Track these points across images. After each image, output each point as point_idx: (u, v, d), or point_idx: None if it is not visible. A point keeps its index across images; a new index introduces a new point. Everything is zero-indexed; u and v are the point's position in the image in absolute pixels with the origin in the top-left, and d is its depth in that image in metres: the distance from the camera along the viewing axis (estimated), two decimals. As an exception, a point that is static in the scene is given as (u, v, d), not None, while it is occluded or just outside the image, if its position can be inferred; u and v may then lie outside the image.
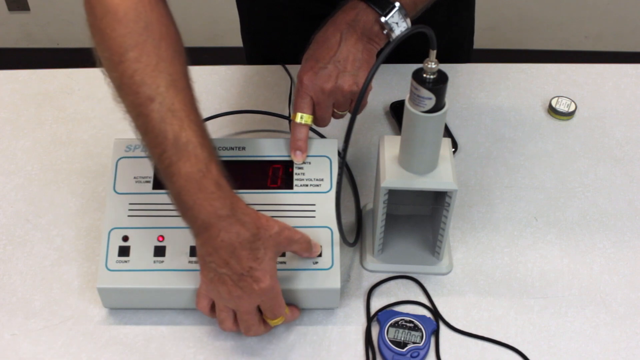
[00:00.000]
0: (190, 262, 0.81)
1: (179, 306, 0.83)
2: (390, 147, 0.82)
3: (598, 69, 1.19)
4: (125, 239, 0.82)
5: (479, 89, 1.15)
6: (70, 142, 1.06)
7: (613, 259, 0.90)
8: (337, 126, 0.94)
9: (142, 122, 0.72)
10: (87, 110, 1.11)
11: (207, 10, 2.58)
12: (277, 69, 1.17)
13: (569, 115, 1.09)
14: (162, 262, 0.81)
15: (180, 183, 0.71)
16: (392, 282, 0.88)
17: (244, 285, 0.72)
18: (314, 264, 0.81)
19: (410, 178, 0.79)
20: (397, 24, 0.81)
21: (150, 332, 0.82)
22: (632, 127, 1.09)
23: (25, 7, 2.63)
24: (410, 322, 0.81)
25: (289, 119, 1.05)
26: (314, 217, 0.84)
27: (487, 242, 0.92)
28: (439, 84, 0.71)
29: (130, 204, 0.84)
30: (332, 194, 0.85)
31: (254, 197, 0.81)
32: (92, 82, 1.16)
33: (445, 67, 0.72)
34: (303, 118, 0.85)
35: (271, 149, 0.88)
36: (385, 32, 0.83)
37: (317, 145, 0.89)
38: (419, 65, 0.71)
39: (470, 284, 0.87)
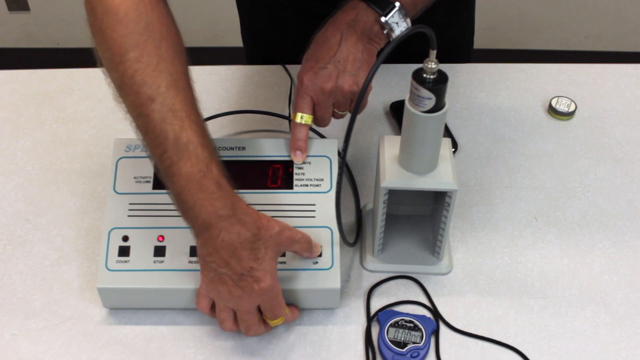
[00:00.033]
0: (190, 262, 0.81)
1: (179, 306, 0.83)
2: (390, 147, 0.82)
3: (598, 69, 1.19)
4: (125, 239, 0.82)
5: (479, 89, 1.15)
6: (70, 142, 1.06)
7: (613, 259, 0.90)
8: (337, 126, 0.94)
9: (143, 122, 0.72)
10: (87, 110, 1.11)
11: (207, 10, 2.58)
12: (277, 69, 1.17)
13: (569, 115, 1.09)
14: (162, 262, 0.81)
15: (180, 183, 0.71)
16: (392, 282, 0.88)
17: (244, 285, 0.72)
18: (314, 264, 0.81)
19: (410, 178, 0.79)
20: (397, 24, 0.82)
21: (150, 332, 0.82)
22: (632, 127, 1.09)
23: (25, 7, 2.63)
24: (410, 322, 0.81)
25: (289, 119, 1.05)
26: (314, 217, 0.84)
27: (487, 242, 0.92)
28: (439, 84, 0.71)
29: (130, 204, 0.84)
30: (332, 194, 0.85)
31: (254, 197, 0.81)
32: (92, 82, 1.16)
33: (445, 67, 0.72)
34: (303, 118, 0.85)
35: (271, 149, 0.88)
36: (385, 32, 0.83)
37: (317, 145, 0.89)
38: (419, 65, 0.71)
39: (470, 284, 0.87)
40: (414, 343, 0.79)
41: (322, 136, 0.98)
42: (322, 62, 0.83)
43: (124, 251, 0.81)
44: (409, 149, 0.77)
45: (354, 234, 0.92)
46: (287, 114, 1.08)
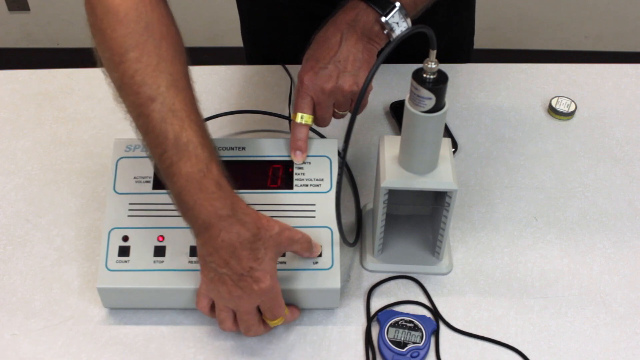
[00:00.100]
0: (190, 262, 0.81)
1: (179, 306, 0.83)
2: (390, 147, 0.82)
3: (598, 69, 1.19)
4: (125, 239, 0.82)
5: (479, 89, 1.15)
6: (70, 142, 1.06)
7: (613, 259, 0.90)
8: (337, 126, 0.94)
9: (143, 122, 0.72)
10: (87, 110, 1.11)
11: (207, 10, 2.58)
12: (277, 69, 1.17)
13: (569, 115, 1.09)
14: (162, 262, 0.81)
15: (180, 183, 0.71)
16: (392, 282, 0.88)
17: (244, 285, 0.72)
18: (314, 264, 0.81)
19: (410, 178, 0.79)
20: (398, 24, 0.82)
21: (150, 332, 0.82)
22: (632, 127, 1.09)
23: (25, 7, 2.63)
24: (410, 322, 0.81)
25: (289, 119, 1.05)
26: (314, 217, 0.84)
27: (487, 242, 0.92)
28: (439, 84, 0.71)
29: (130, 204, 0.84)
30: (332, 194, 0.85)
31: (254, 197, 0.81)
32: (92, 82, 1.16)
33: (445, 67, 0.72)
34: (303, 118, 0.85)
35: (271, 149, 0.88)
36: (385, 32, 0.83)
37: (317, 145, 0.89)
38: (419, 65, 0.71)
39: (470, 284, 0.87)
40: (414, 343, 0.79)
41: (322, 136, 0.98)
42: (322, 62, 0.83)
43: (124, 251, 0.81)
44: (409, 149, 0.77)
45: (354, 234, 0.92)
46: (287, 114, 1.08)
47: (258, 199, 0.83)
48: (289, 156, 0.87)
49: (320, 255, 0.81)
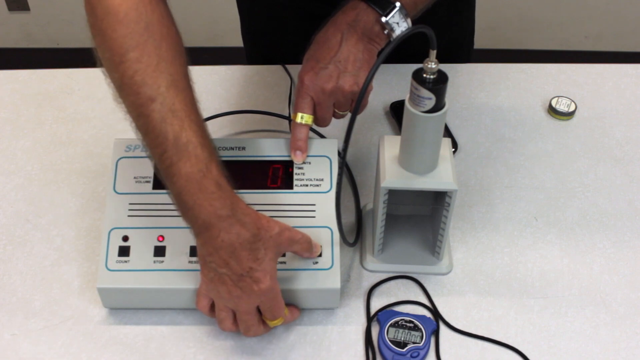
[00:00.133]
0: (190, 262, 0.81)
1: (179, 306, 0.83)
2: (390, 147, 0.82)
3: (598, 69, 1.19)
4: (125, 239, 0.82)
5: (479, 89, 1.15)
6: (70, 142, 1.06)
7: (613, 259, 0.90)
8: (337, 126, 0.94)
9: (143, 122, 0.72)
10: (87, 110, 1.11)
11: (207, 10, 2.58)
12: (277, 69, 1.17)
13: (569, 115, 1.09)
14: (162, 262, 0.81)
15: (180, 183, 0.71)
16: (392, 282, 0.88)
17: (243, 285, 0.72)
18: (314, 264, 0.81)
19: (410, 178, 0.79)
20: (398, 24, 0.82)
21: (150, 332, 0.82)
22: (632, 127, 1.09)
23: (25, 7, 2.63)
24: (410, 322, 0.81)
25: (289, 119, 1.05)
26: (314, 217, 0.84)
27: (487, 242, 0.92)
28: (439, 84, 0.71)
29: (130, 204, 0.84)
30: (332, 194, 0.85)
31: (254, 197, 0.81)
32: (92, 82, 1.16)
33: (445, 67, 0.72)
34: (303, 118, 0.85)
35: (271, 149, 0.88)
36: (385, 32, 0.83)
37: (317, 145, 0.89)
38: (419, 65, 0.71)
39: (470, 284, 0.87)
40: (414, 343, 0.79)
41: (322, 136, 0.98)
42: (322, 63, 0.83)
43: (124, 251, 0.81)
44: (409, 149, 0.77)
45: (354, 234, 0.92)
46: (287, 114, 1.08)
47: (258, 199, 0.83)
48: (289, 156, 0.87)
49: (320, 255, 0.81)
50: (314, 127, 0.88)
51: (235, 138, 1.06)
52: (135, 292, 0.81)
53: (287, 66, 1.16)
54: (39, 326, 0.83)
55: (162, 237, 0.82)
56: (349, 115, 0.88)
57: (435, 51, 0.69)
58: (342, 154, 0.71)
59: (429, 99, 0.71)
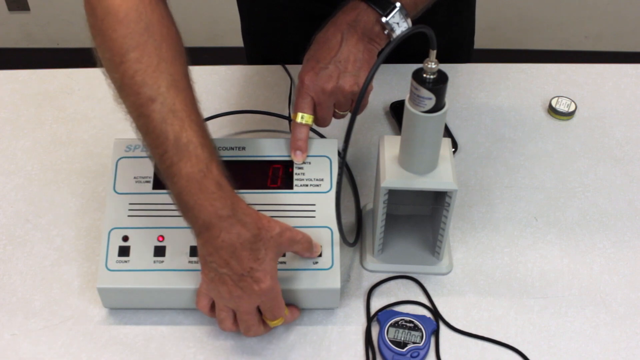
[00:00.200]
0: (190, 262, 0.81)
1: (179, 306, 0.83)
2: (390, 147, 0.82)
3: (598, 69, 1.19)
4: (125, 239, 0.82)
5: (479, 89, 1.15)
6: (70, 142, 1.06)
7: (613, 259, 0.90)
8: (337, 126, 0.94)
9: (143, 122, 0.72)
10: (87, 110, 1.11)
11: (207, 10, 2.58)
12: (277, 69, 1.17)
13: (569, 115, 1.09)
14: (162, 262, 0.81)
15: (181, 183, 0.71)
16: (392, 282, 0.88)
17: (244, 285, 0.72)
18: (314, 264, 0.81)
19: (410, 178, 0.79)
20: (398, 24, 0.82)
21: (150, 332, 0.82)
22: (632, 127, 1.09)
23: (25, 7, 2.63)
24: (410, 322, 0.81)
25: (289, 119, 1.05)
26: (314, 217, 0.84)
27: (487, 242, 0.92)
28: (439, 84, 0.71)
29: (130, 204, 0.84)
30: (332, 194, 0.85)
31: (254, 197, 0.81)
32: (92, 82, 1.16)
33: (445, 67, 0.72)
34: (304, 118, 0.85)
35: (271, 149, 0.88)
36: (386, 32, 0.83)
37: (317, 145, 0.89)
38: (419, 65, 0.71)
39: (470, 284, 0.87)
40: (414, 343, 0.79)
41: (322, 136, 0.99)
42: (323, 63, 0.83)
43: (124, 251, 0.81)
44: (409, 149, 0.77)
45: (354, 234, 0.92)
46: (287, 114, 1.08)
47: (258, 199, 0.83)
48: (289, 156, 0.87)
49: (320, 255, 0.81)
50: (314, 127, 0.88)
51: (235, 138, 1.06)
52: (135, 292, 0.81)
53: (287, 66, 1.16)
54: (39, 326, 0.83)
55: (162, 237, 0.82)
56: (349, 115, 0.88)
57: (435, 51, 0.69)
58: (342, 154, 0.71)
59: (429, 99, 0.71)
